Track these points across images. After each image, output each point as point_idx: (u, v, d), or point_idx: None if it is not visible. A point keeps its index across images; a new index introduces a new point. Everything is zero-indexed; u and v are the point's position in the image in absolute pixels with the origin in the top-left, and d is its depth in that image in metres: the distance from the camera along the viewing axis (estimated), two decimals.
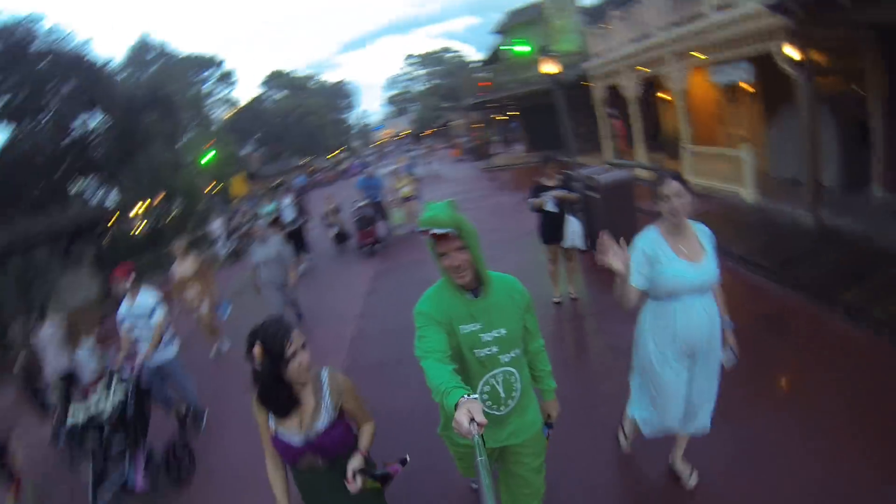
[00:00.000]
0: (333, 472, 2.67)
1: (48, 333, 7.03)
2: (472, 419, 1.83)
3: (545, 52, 18.93)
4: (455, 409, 1.92)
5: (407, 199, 15.19)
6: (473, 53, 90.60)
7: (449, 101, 52.14)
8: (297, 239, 13.26)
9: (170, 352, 6.16)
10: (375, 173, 17.43)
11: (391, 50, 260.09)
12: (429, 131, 72.43)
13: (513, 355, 2.64)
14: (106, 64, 22.89)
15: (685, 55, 11.51)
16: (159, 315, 5.92)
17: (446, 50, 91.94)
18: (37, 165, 20.18)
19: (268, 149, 59.36)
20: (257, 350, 2.49)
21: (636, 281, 3.13)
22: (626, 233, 7.22)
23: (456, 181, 25.82)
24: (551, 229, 7.23)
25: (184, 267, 8.43)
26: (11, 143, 20.12)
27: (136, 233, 22.63)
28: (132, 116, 21.95)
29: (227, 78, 56.48)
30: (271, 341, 2.48)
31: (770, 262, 7.25)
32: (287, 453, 2.66)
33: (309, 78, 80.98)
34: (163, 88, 27.56)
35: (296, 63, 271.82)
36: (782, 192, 9.95)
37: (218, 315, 8.72)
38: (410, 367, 4.82)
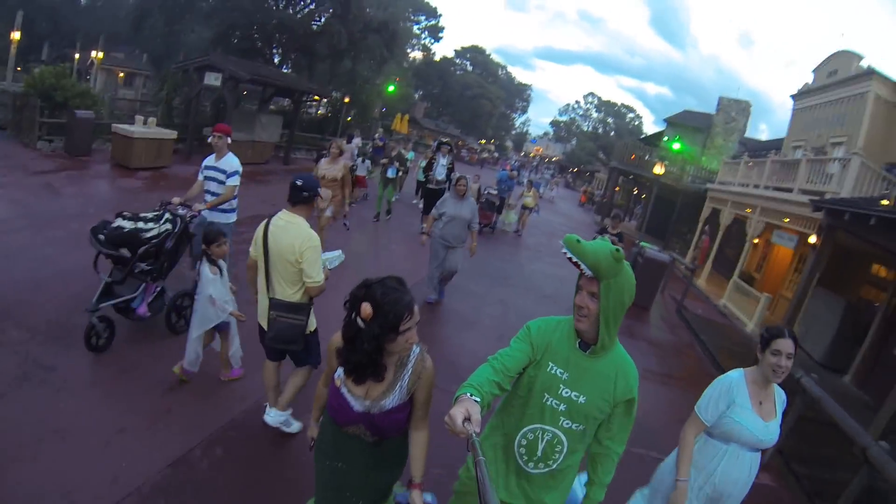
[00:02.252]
0: (375, 449, 2.51)
1: None
2: (468, 419, 1.84)
3: (694, 157, 22.14)
4: (454, 404, 1.96)
5: (526, 207, 18.80)
6: (649, 122, 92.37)
7: (604, 153, 55.12)
8: (434, 199, 14.48)
9: (229, 217, 6.53)
10: (516, 175, 21.26)
11: (583, 78, 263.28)
12: (574, 168, 75.06)
13: (574, 427, 2.44)
14: None
15: (766, 212, 14.70)
16: (235, 180, 6.33)
17: (628, 109, 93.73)
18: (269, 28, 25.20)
19: (434, 106, 63.66)
20: (366, 309, 2.21)
21: (706, 416, 3.13)
22: (645, 294, 10.78)
23: (564, 215, 29.13)
24: None
25: (332, 167, 8.71)
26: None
27: (316, 114, 26.66)
28: (358, 25, 26.41)
29: (435, 30, 61.16)
30: (389, 307, 2.21)
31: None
32: (340, 413, 2.45)
33: (502, 67, 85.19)
34: (387, 13, 32.10)
35: (498, 42, 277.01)
36: None
37: (345, 225, 9.37)
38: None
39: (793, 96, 21.07)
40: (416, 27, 59.14)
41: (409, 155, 18.57)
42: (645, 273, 11.91)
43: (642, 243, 13.83)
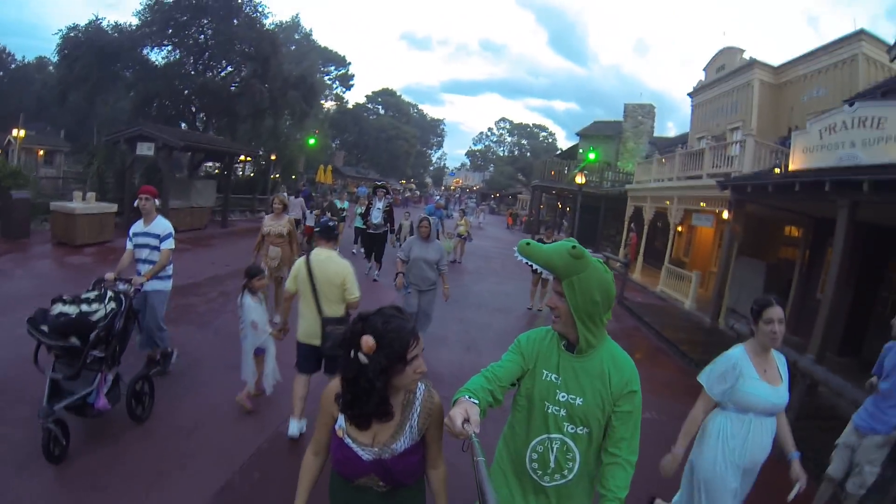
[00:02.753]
0: (385, 500, 2.27)
1: None
2: (467, 420, 1.82)
3: (609, 165, 23.70)
4: (453, 406, 1.93)
5: (461, 236, 19.69)
6: (562, 138, 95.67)
7: (523, 175, 57.04)
8: (374, 243, 13.90)
9: (165, 284, 6.15)
10: (443, 207, 22.36)
11: (492, 105, 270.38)
12: (496, 194, 76.93)
13: (579, 431, 2.35)
14: (272, 30, 28.69)
15: (682, 201, 16.15)
16: (170, 243, 5.96)
17: (541, 128, 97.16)
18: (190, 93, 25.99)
19: (351, 153, 64.68)
20: (368, 341, 2.01)
21: (714, 392, 3.32)
22: None
23: (494, 238, 30.50)
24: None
25: (277, 223, 8.49)
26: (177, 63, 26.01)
27: (243, 175, 27.21)
28: (278, 82, 27.34)
29: (346, 79, 62.54)
30: (394, 335, 2.05)
31: (679, 343, 11.51)
32: (348, 466, 2.21)
33: (413, 106, 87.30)
34: (302, 68, 33.15)
35: (405, 81, 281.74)
36: (705, 307, 14.27)
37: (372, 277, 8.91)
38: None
39: (689, 94, 23.26)
40: (326, 78, 60.25)
41: (344, 205, 19.06)
42: None
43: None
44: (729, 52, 20.84)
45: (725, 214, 13.34)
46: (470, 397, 2.06)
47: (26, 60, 49.53)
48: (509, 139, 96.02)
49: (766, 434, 3.31)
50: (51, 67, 39.81)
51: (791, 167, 10.29)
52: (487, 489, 1.54)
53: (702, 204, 15.08)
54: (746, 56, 19.70)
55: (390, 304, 2.22)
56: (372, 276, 13.51)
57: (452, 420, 1.84)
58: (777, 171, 10.73)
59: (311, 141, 34.55)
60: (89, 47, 23.98)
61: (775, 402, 3.27)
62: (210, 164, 26.66)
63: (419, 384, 2.27)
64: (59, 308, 4.57)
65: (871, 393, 4.54)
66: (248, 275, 5.66)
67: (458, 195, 77.22)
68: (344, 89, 63.75)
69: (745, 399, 3.25)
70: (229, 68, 27.34)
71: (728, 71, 20.09)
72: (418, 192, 73.09)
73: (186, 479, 4.36)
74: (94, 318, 4.62)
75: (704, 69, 22.53)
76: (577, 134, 35.55)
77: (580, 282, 2.24)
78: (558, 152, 43.92)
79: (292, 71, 30.60)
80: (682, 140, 25.44)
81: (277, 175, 30.12)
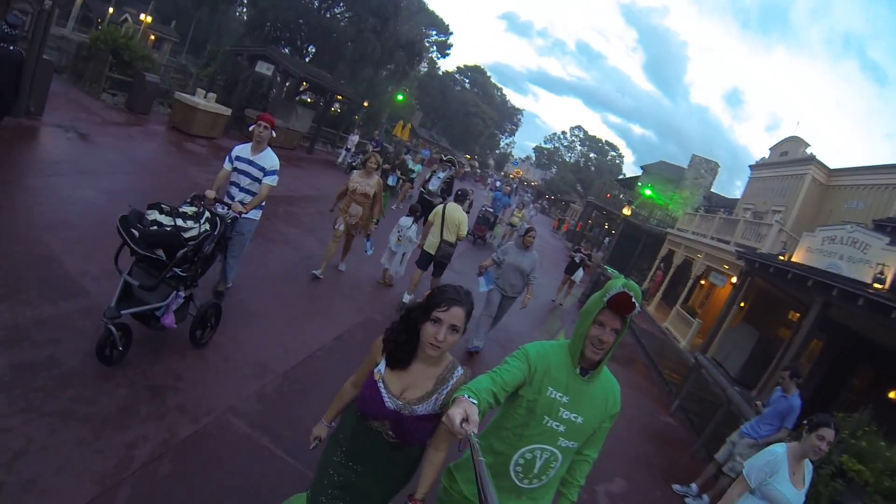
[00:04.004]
0: (393, 452, 2.53)
1: None
2: (466, 419, 1.86)
3: (662, 207, 25.65)
4: (452, 405, 1.98)
5: (512, 225, 21.80)
6: (629, 162, 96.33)
7: (581, 186, 58.69)
8: (428, 209, 12.87)
9: (256, 214, 6.07)
10: (508, 194, 24.33)
11: (571, 109, 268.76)
12: (550, 196, 78.55)
13: (570, 444, 2.61)
14: None
15: (708, 258, 18.11)
16: (273, 179, 5.87)
17: (612, 146, 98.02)
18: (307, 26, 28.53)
19: (429, 117, 66.53)
20: (424, 296, 2.43)
21: (752, 481, 3.79)
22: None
23: (539, 237, 32.10)
24: (570, 268, 14.13)
25: (365, 182, 8.11)
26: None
27: (332, 111, 29.42)
28: (391, 41, 29.71)
29: (444, 46, 64.21)
30: (436, 293, 2.38)
31: (661, 367, 13.60)
32: (371, 405, 2.45)
33: (498, 89, 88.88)
34: (410, 29, 35.30)
35: (494, 58, 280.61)
36: (694, 350, 16.26)
37: (366, 249, 8.72)
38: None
39: (750, 166, 24.97)
40: (426, 41, 61.98)
41: (417, 167, 19.72)
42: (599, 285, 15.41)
43: (605, 266, 17.19)
44: (795, 142, 22.58)
45: (734, 280, 15.31)
46: (469, 396, 2.06)
47: None
48: (579, 148, 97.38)
49: None
50: None
51: (794, 259, 12.24)
52: (488, 489, 1.55)
53: (724, 266, 16.99)
54: (809, 150, 21.36)
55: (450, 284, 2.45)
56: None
57: (451, 419, 1.86)
58: (782, 258, 12.68)
59: (400, 97, 36.77)
60: None
61: (792, 503, 3.72)
62: (306, 93, 28.96)
63: (458, 368, 2.51)
64: (154, 215, 4.45)
65: (757, 414, 6.79)
66: (413, 211, 9.71)
67: (515, 185, 78.74)
68: (440, 55, 65.39)
69: (771, 493, 3.72)
70: (350, 15, 29.50)
71: (789, 159, 21.82)
72: (479, 171, 74.83)
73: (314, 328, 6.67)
74: (188, 234, 4.50)
75: (770, 149, 24.25)
76: (642, 167, 37.43)
77: (630, 320, 2.47)
78: (620, 177, 45.69)
79: (405, 33, 32.77)
80: (732, 204, 27.22)
81: (357, 117, 31.79)
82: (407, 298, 8.50)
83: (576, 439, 2.61)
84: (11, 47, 7.30)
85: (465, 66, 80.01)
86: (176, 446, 3.82)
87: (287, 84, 21.60)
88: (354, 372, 2.75)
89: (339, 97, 26.45)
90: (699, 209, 24.53)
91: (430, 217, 8.59)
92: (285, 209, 11.48)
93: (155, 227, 4.36)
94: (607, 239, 37.04)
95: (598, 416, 2.63)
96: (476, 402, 2.06)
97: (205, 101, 16.76)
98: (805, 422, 3.92)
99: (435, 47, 63.64)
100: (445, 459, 2.56)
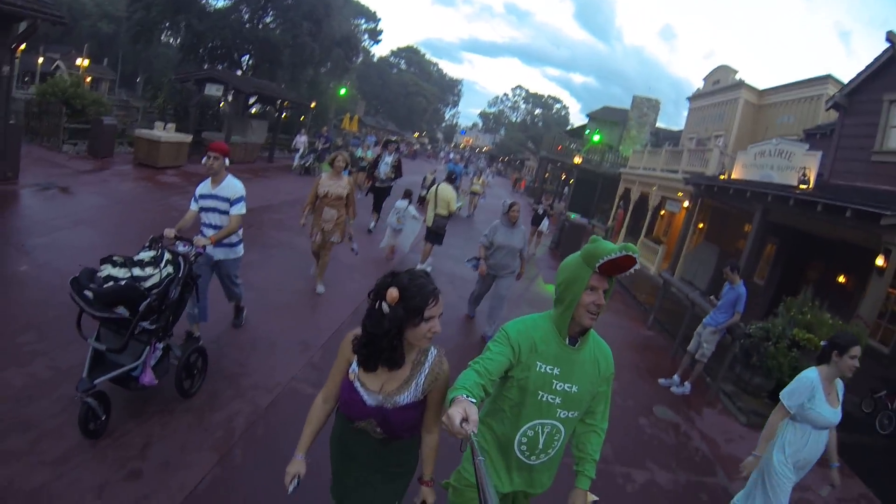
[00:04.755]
0: (383, 448, 2.53)
1: None
2: (465, 419, 1.84)
3: (613, 149, 27.03)
4: (451, 405, 1.94)
5: (475, 193, 22.92)
6: (575, 112, 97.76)
7: (532, 143, 60.00)
8: (381, 196, 14.13)
9: (236, 251, 5.83)
10: (461, 163, 25.42)
11: (509, 69, 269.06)
12: (504, 158, 79.16)
13: (569, 415, 2.57)
14: None
15: (662, 188, 19.52)
16: (241, 208, 5.49)
17: (555, 100, 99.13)
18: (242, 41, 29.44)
19: (371, 104, 67.15)
20: (393, 293, 2.24)
21: (790, 405, 3.98)
22: (570, 243, 15.39)
23: (500, 197, 32.97)
24: (536, 220, 15.40)
25: (336, 183, 7.87)
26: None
27: (283, 117, 30.19)
28: (327, 41, 30.59)
29: (375, 33, 64.44)
30: (416, 291, 2.27)
31: (636, 293, 14.96)
32: (353, 407, 2.44)
33: (434, 65, 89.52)
34: (341, 24, 36.07)
35: (425, 35, 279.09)
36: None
37: (353, 250, 8.50)
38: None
39: (688, 98, 26.62)
40: (356, 30, 62.20)
41: (368, 153, 20.05)
42: (570, 234, 16.66)
43: (569, 213, 18.47)
44: (724, 70, 24.25)
45: (686, 203, 16.72)
46: (467, 396, 2.04)
47: None
48: (523, 106, 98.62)
49: (821, 443, 4.02)
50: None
51: (733, 176, 13.63)
52: (488, 490, 1.54)
53: (679, 194, 18.36)
54: (738, 76, 23.02)
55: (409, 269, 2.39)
56: (369, 227, 13.70)
57: (451, 419, 1.84)
58: (722, 177, 14.08)
59: (342, 91, 37.51)
60: None
61: (832, 421, 3.95)
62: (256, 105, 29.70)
63: (432, 349, 2.47)
64: (107, 270, 4.06)
65: (713, 307, 8.12)
66: (406, 194, 11.39)
67: (467, 154, 79.75)
68: (372, 42, 65.71)
69: (810, 416, 3.92)
70: (281, 23, 30.34)
71: (721, 86, 23.46)
72: (430, 147, 75.79)
73: (335, 307, 7.78)
74: (147, 284, 4.15)
75: (703, 79, 25.83)
76: (588, 115, 38.79)
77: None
78: (568, 128, 47.13)
79: (338, 30, 33.56)
80: (678, 136, 28.78)
81: (303, 118, 32.69)
82: (426, 266, 10.28)
83: (575, 409, 2.58)
84: None
85: (398, 48, 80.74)
86: (262, 413, 4.94)
87: (237, 100, 22.33)
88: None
89: (287, 103, 27.28)
90: (647, 145, 25.85)
91: (427, 197, 10.64)
92: (269, 217, 12.47)
93: (110, 283, 3.95)
94: (566, 188, 38.49)
95: (593, 382, 2.61)
96: (475, 401, 2.04)
97: (165, 132, 17.28)
98: (825, 344, 4.14)
99: (366, 35, 63.95)
100: (440, 440, 2.62)
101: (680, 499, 5.44)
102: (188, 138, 18.57)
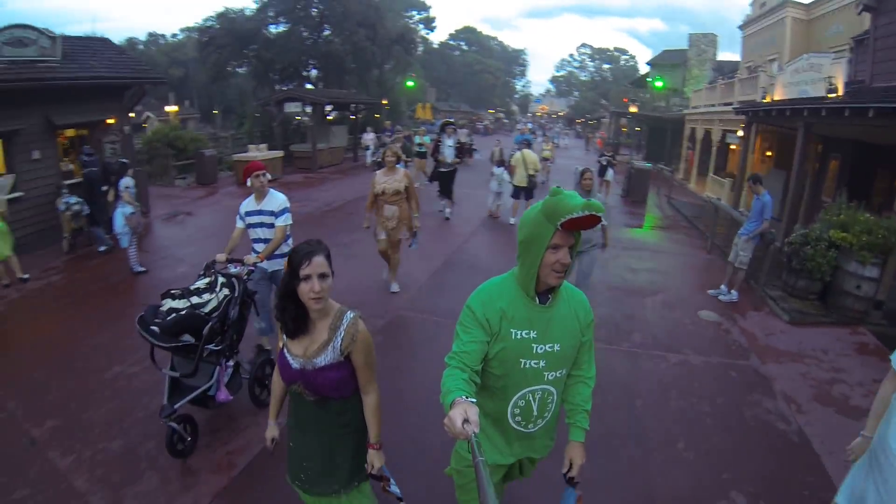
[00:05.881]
0: (319, 409, 2.72)
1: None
2: (466, 420, 1.82)
3: (676, 91, 27.50)
4: (450, 408, 1.92)
5: (545, 159, 23.31)
6: (644, 59, 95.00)
7: (605, 100, 59.87)
8: (447, 181, 13.86)
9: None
10: (529, 133, 26.50)
11: (571, 29, 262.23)
12: (580, 120, 78.90)
13: (558, 374, 2.50)
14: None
15: (721, 122, 20.12)
16: (286, 219, 5.69)
17: (622, 51, 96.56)
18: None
19: (441, 89, 68.72)
20: (286, 262, 2.55)
21: None
22: (640, 193, 16.48)
23: (577, 158, 33.57)
24: (601, 172, 16.54)
25: (391, 178, 7.71)
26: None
27: (356, 118, 32.39)
28: (385, 41, 32.60)
29: (428, 21, 65.77)
30: (294, 255, 2.50)
31: (696, 223, 15.87)
32: (284, 371, 2.70)
33: (494, 39, 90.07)
34: (396, 22, 37.98)
35: (481, 13, 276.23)
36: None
37: (410, 245, 8.27)
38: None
39: (739, 27, 26.33)
40: (410, 23, 63.73)
41: (425, 139, 19.87)
42: (637, 178, 17.73)
43: (632, 160, 19.46)
44: None
45: (740, 133, 17.37)
46: (466, 397, 2.00)
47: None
48: (591, 64, 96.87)
49: None
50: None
51: (775, 98, 14.33)
52: (487, 490, 1.53)
53: (740, 126, 18.93)
54: None
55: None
56: (444, 214, 13.80)
57: (452, 421, 1.82)
58: (766, 100, 14.75)
59: (410, 83, 39.36)
60: (226, 34, 30.73)
61: None
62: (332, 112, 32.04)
63: (349, 312, 2.68)
64: (168, 304, 4.43)
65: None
66: (500, 163, 13.56)
67: (544, 121, 79.84)
68: (428, 31, 66.95)
69: None
70: (343, 34, 32.44)
71: (767, 8, 23.12)
72: (506, 120, 76.63)
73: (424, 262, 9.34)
74: (206, 309, 4.50)
75: (750, 4, 25.42)
76: (648, 63, 39.03)
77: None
78: (633, 79, 47.18)
79: (393, 28, 35.45)
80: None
81: (378, 115, 34.51)
82: (513, 221, 12.60)
83: (562, 367, 2.51)
84: (91, 169, 10.38)
85: (455, 31, 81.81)
86: (382, 327, 7.13)
87: (315, 112, 24.46)
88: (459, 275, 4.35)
89: (359, 105, 29.42)
90: (716, 82, 26.06)
91: (512, 162, 12.51)
92: (345, 213, 14.24)
93: (173, 316, 4.35)
94: (641, 141, 38.80)
95: (575, 335, 2.51)
96: (474, 400, 2.02)
97: (259, 152, 19.78)
98: None
99: (421, 25, 65.35)
100: (379, 400, 2.81)
101: (708, 374, 6.42)
102: (280, 154, 21.01)
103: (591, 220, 2.19)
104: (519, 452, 2.71)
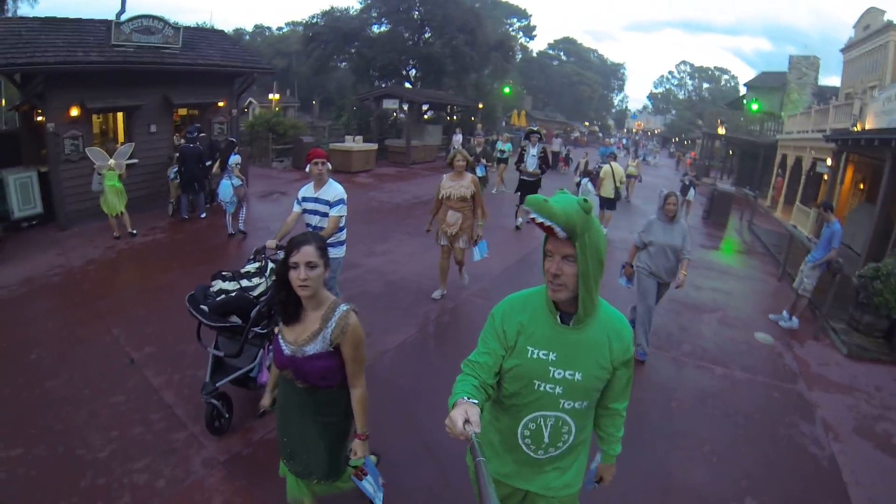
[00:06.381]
0: (306, 397, 2.85)
1: None
2: (467, 420, 1.81)
3: (772, 115, 27.17)
4: (452, 409, 1.92)
5: (630, 175, 22.93)
6: (749, 77, 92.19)
7: (701, 120, 58.89)
8: (529, 191, 13.08)
9: (337, 252, 6.03)
10: (613, 147, 26.80)
11: (673, 44, 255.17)
12: (675, 139, 77.63)
13: (577, 406, 2.26)
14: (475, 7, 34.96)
15: (812, 149, 19.90)
16: (340, 209, 5.74)
17: (723, 70, 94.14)
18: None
19: (537, 98, 69.28)
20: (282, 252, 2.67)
21: None
22: (721, 215, 16.61)
23: (664, 177, 33.68)
24: (683, 191, 16.83)
25: (458, 184, 7.48)
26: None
27: (453, 119, 33.12)
28: (483, 47, 33.68)
29: (529, 29, 66.38)
30: (287, 245, 2.67)
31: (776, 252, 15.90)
32: (277, 356, 2.83)
33: (594, 51, 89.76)
34: (496, 31, 38.93)
35: (581, 22, 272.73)
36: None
37: (473, 254, 7.95)
38: None
39: (841, 50, 25.71)
40: (510, 30, 64.36)
41: (507, 147, 20.19)
42: (720, 201, 17.91)
43: (717, 182, 19.59)
44: (873, 13, 22.85)
45: (829, 161, 17.23)
46: (469, 398, 1.99)
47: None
48: (690, 82, 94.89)
49: None
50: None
51: (867, 127, 14.24)
52: (487, 491, 1.51)
53: (829, 156, 18.74)
54: (886, 18, 21.78)
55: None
56: (516, 223, 13.71)
57: (454, 422, 1.81)
58: (856, 129, 14.62)
59: (507, 90, 40.12)
60: (331, 31, 32.80)
61: None
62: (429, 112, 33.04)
63: (342, 305, 2.79)
64: (218, 285, 4.54)
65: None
66: (587, 173, 15.00)
67: (638, 138, 79.10)
68: (528, 39, 67.53)
69: None
70: (444, 38, 33.60)
71: (871, 31, 22.33)
72: (600, 134, 76.47)
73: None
74: (255, 293, 4.57)
75: (853, 27, 24.63)
76: (746, 85, 38.39)
77: (591, 240, 2.06)
78: (729, 101, 46.49)
79: (492, 34, 36.58)
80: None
81: (473, 118, 35.22)
82: (604, 231, 12.50)
83: (582, 398, 2.27)
84: (194, 144, 11.55)
85: (555, 40, 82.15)
86: (449, 310, 7.97)
87: (412, 110, 25.58)
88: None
89: (454, 107, 30.51)
90: (810, 107, 25.58)
91: (602, 174, 13.43)
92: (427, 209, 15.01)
93: (222, 296, 4.46)
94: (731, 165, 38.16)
95: (602, 366, 2.24)
96: (476, 401, 1.99)
97: (355, 144, 20.99)
98: None
99: (521, 33, 65.96)
100: (366, 393, 2.91)
101: (751, 391, 6.57)
102: (374, 147, 22.14)
103: (542, 226, 2.03)
104: (528, 478, 2.50)
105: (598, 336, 2.22)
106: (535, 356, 2.21)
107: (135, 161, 11.67)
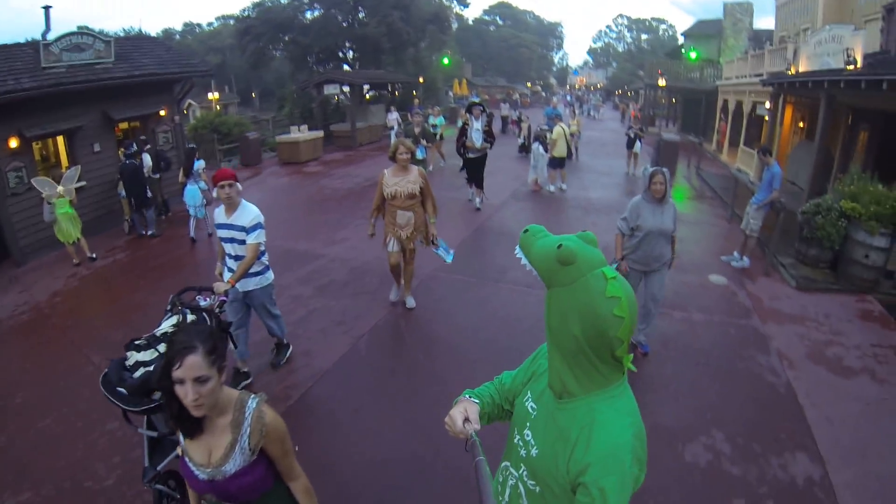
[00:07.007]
0: None
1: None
2: (467, 419, 1.77)
3: (711, 62, 27.50)
4: (454, 406, 1.88)
5: (572, 134, 22.79)
6: (686, 26, 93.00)
7: (642, 71, 59.47)
8: (476, 168, 12.50)
9: (263, 280, 5.36)
10: (558, 106, 26.82)
11: None
12: (619, 91, 77.72)
13: (530, 485, 1.80)
14: None
15: (751, 93, 20.29)
16: (259, 235, 5.05)
17: (660, 21, 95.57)
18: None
19: (477, 64, 69.00)
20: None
21: None
22: (668, 160, 16.89)
23: (611, 130, 34.07)
24: (629, 144, 16.99)
25: (403, 180, 6.59)
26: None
27: (394, 96, 32.69)
28: (419, 22, 33.47)
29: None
30: (169, 349, 2.02)
31: (723, 194, 16.25)
32: (191, 483, 2.25)
33: (529, 12, 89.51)
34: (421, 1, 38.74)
35: None
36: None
37: (442, 256, 7.17)
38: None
39: None
40: (443, 1, 63.94)
41: (438, 121, 19.78)
42: (666, 150, 18.17)
43: (663, 132, 19.86)
44: None
45: (767, 104, 17.59)
46: (470, 396, 1.94)
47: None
48: (628, 35, 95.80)
49: None
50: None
51: (800, 69, 14.59)
52: (485, 490, 1.44)
53: (768, 97, 19.14)
54: None
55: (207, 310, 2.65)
56: (475, 204, 12.95)
57: (453, 420, 1.75)
58: (791, 72, 14.99)
59: (446, 61, 39.94)
60: (263, 22, 32.72)
61: None
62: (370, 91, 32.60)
63: (250, 401, 2.21)
64: (134, 357, 3.77)
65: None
66: (539, 138, 14.62)
67: (581, 93, 79.48)
68: (462, 7, 66.89)
69: None
70: (377, 17, 33.34)
71: None
72: (544, 94, 76.60)
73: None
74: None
75: None
76: (683, 34, 38.82)
77: (559, 299, 1.61)
78: (667, 52, 47.04)
79: (426, 8, 36.40)
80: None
81: (414, 93, 34.95)
82: (552, 188, 14.72)
83: (534, 478, 1.79)
84: (131, 161, 11.02)
85: (489, 6, 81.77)
86: (414, 288, 7.77)
87: (353, 92, 25.36)
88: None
89: (394, 84, 30.39)
90: (747, 52, 25.98)
91: (554, 136, 14.13)
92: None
93: (141, 371, 3.65)
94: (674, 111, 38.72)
95: (558, 463, 1.67)
96: (477, 401, 1.91)
97: (301, 133, 20.78)
98: None
99: (455, 2, 65.56)
100: (308, 481, 2.43)
101: (708, 330, 6.96)
102: (320, 134, 21.94)
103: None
104: None
105: (570, 426, 1.66)
106: (526, 404, 1.90)
107: (83, 183, 11.21)
